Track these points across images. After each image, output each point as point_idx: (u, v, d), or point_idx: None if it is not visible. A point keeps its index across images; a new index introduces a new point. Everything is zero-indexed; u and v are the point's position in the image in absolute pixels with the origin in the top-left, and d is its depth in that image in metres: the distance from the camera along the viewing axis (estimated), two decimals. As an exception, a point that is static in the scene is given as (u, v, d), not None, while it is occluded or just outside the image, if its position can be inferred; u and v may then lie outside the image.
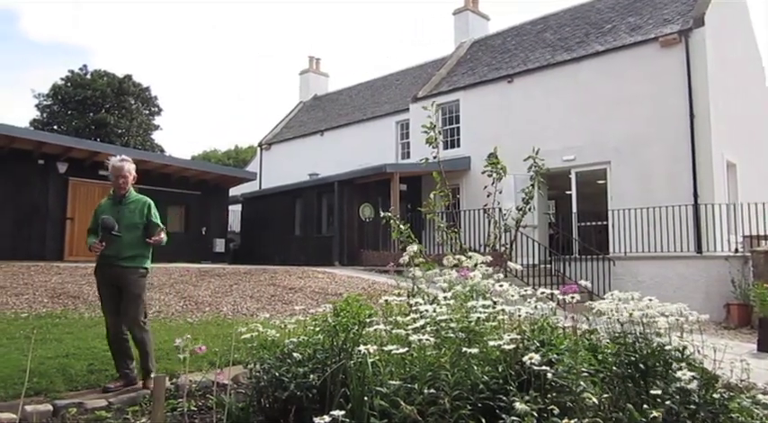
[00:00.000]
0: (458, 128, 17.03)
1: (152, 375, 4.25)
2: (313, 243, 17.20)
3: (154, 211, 4.65)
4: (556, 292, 3.05)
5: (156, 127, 38.09)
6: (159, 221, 4.70)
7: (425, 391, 2.46)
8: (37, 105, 35.00)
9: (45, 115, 34.71)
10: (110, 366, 4.64)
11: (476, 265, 3.48)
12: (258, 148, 26.80)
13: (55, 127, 33.34)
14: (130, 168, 4.60)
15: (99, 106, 34.48)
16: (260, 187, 21.93)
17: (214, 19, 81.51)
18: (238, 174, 19.87)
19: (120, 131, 33.97)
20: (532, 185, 4.96)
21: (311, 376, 3.07)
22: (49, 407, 3.66)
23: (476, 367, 2.56)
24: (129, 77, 35.94)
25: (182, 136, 72.35)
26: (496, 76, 16.32)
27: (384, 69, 37.99)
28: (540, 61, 15.57)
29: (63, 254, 14.09)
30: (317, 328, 3.30)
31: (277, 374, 3.18)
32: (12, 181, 13.55)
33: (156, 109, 38.00)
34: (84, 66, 36.09)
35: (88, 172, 14.79)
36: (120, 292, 4.42)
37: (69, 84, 34.61)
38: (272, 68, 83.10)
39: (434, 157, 4.79)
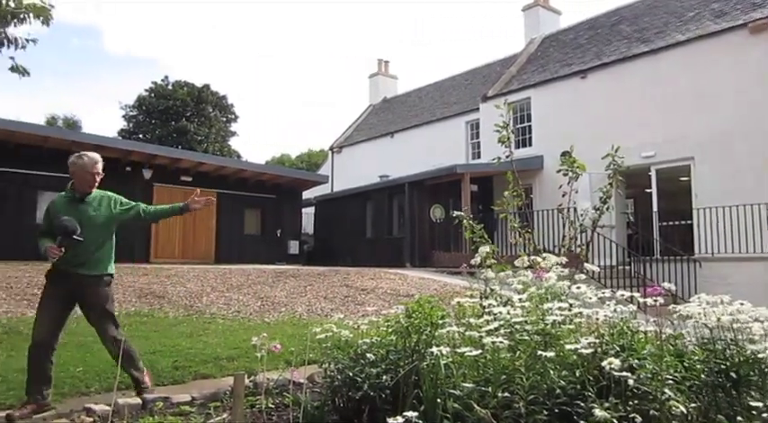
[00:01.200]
0: (529, 126, 16.66)
1: (145, 385, 4.02)
2: (384, 244, 17.31)
3: (121, 198, 4.22)
4: (636, 294, 2.92)
5: (233, 133, 39.67)
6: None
7: (500, 394, 2.42)
8: (124, 116, 37.28)
9: (131, 125, 36.89)
10: (194, 363, 4.86)
11: (551, 266, 3.39)
12: (329, 152, 27.29)
13: (140, 136, 35.34)
14: (99, 166, 4.07)
15: (180, 115, 36.23)
16: (332, 190, 22.34)
17: (286, 26, 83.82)
18: (311, 177, 20.33)
19: (199, 138, 35.56)
20: (610, 184, 4.78)
21: (384, 377, 3.08)
22: (139, 400, 3.88)
23: (552, 371, 2.49)
24: (207, 87, 37.59)
25: (256, 141, 74.93)
26: (569, 73, 15.84)
27: (452, 69, 37.79)
28: (616, 55, 14.97)
29: (149, 256, 14.91)
30: (390, 330, 3.32)
31: (351, 374, 3.21)
32: (103, 188, 14.43)
33: (233, 116, 39.53)
34: (166, 77, 38.15)
35: (170, 177, 15.62)
36: (70, 304, 3.88)
37: (153, 94, 36.60)
38: (344, 72, 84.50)
39: (507, 157, 4.71)
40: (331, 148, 26.86)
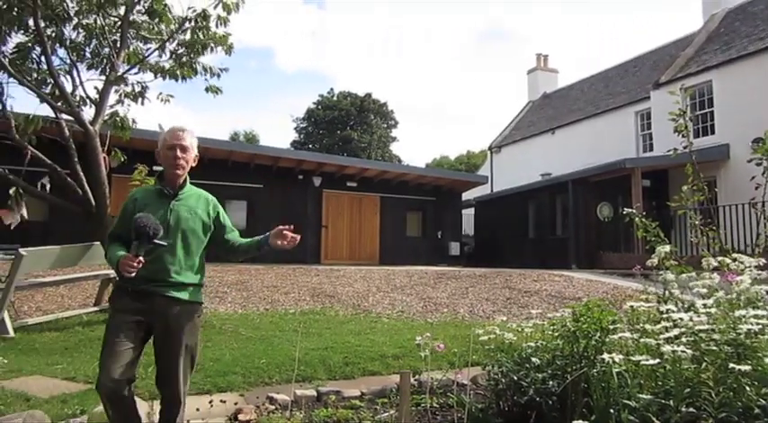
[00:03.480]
0: (710, 113, 14.98)
1: None
2: (547, 245, 16.70)
3: (223, 210, 3.05)
4: None
5: (394, 139, 41.02)
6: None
7: (683, 409, 2.20)
8: (295, 128, 40.36)
9: (302, 136, 39.84)
10: (362, 360, 5.09)
11: (745, 268, 3.01)
12: (488, 152, 27.00)
13: (309, 146, 37.98)
14: (193, 141, 2.93)
15: (344, 124, 38.30)
16: (491, 190, 22.06)
17: (439, 28, 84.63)
18: (470, 178, 20.30)
19: (362, 145, 37.26)
20: (818, 173, 4.11)
21: (550, 382, 2.97)
22: (314, 392, 4.16)
23: (748, 388, 2.21)
24: (369, 95, 39.32)
25: (416, 145, 76.55)
26: (761, 48, 13.95)
27: (618, 57, 35.28)
28: (822, 22, 12.90)
29: (320, 257, 15.94)
30: (556, 334, 3.19)
31: (515, 378, 3.15)
32: (280, 195, 15.78)
33: (393, 122, 40.87)
34: (331, 89, 40.71)
35: (338, 183, 16.61)
36: (145, 337, 2.77)
37: (320, 106, 39.18)
38: (500, 71, 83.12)
39: (684, 147, 4.28)
40: (490, 148, 26.55)
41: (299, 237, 2.88)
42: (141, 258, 2.56)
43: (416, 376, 4.43)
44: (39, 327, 6.49)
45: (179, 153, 2.84)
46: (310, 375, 4.68)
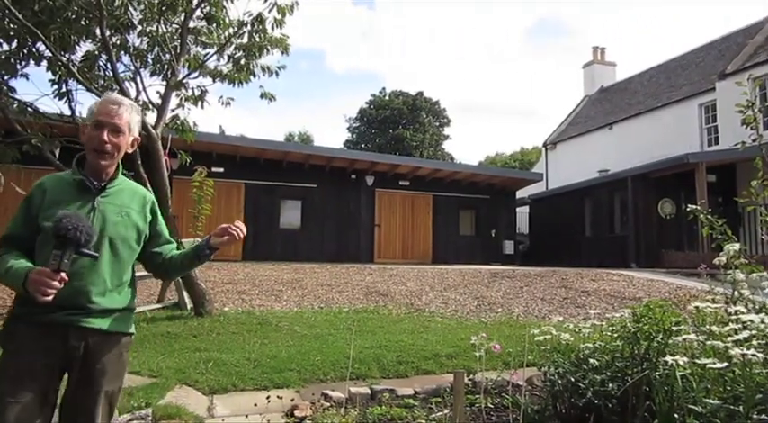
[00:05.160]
0: (783, 103, 14.18)
1: None
2: (605, 244, 16.24)
3: (160, 213, 2.28)
4: None
5: (446, 137, 40.72)
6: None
7: (754, 415, 2.10)
8: (348, 128, 40.71)
9: (354, 136, 40.12)
10: (416, 359, 5.09)
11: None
12: (543, 149, 26.47)
13: (362, 145, 38.21)
14: (132, 120, 2.13)
15: (397, 123, 38.33)
16: (546, 188, 21.62)
17: (492, 25, 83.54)
18: (524, 176, 19.97)
19: (414, 144, 37.18)
20: None
21: (610, 385, 2.89)
22: (368, 390, 4.19)
23: (825, 393, 2.09)
24: (420, 94, 39.22)
25: (468, 143, 75.88)
26: (838, 33, 13.12)
27: (679, 48, 33.88)
28: None
29: (373, 256, 16.04)
30: (615, 335, 3.10)
31: (573, 380, 3.08)
32: (333, 194, 15.97)
33: (446, 120, 40.60)
34: (383, 88, 40.73)
35: (390, 183, 16.68)
36: (56, 380, 1.96)
37: (372, 106, 39.35)
38: (555, 66, 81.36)
39: (753, 140, 4.07)
40: (544, 145, 26.03)
41: (243, 227, 2.12)
42: (64, 274, 1.78)
43: (471, 376, 4.39)
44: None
45: (106, 135, 2.04)
46: (364, 373, 4.71)
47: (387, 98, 39.50)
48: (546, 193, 20.75)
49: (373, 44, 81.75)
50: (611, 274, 11.05)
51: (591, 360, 3.12)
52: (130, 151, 2.18)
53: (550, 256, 17.36)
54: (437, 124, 40.16)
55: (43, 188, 2.05)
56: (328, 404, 3.86)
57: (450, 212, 17.45)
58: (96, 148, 2.05)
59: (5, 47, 6.96)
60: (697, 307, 2.92)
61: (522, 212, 20.73)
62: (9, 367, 1.91)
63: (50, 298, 1.77)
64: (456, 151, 65.54)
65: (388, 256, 16.27)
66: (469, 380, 4.24)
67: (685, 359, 2.41)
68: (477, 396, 3.77)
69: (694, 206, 3.77)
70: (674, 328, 2.77)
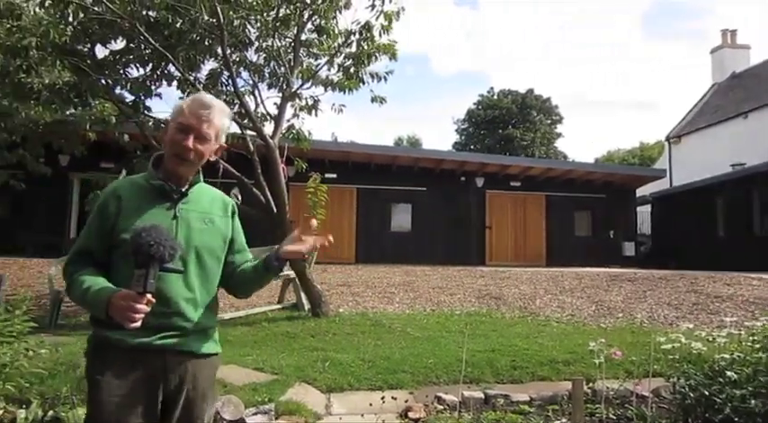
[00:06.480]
0: None
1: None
2: (741, 244, 14.85)
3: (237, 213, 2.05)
4: None
5: (558, 135, 39.30)
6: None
7: None
8: (456, 130, 40.55)
9: (463, 137, 39.86)
10: (530, 364, 4.96)
11: None
12: (665, 143, 24.76)
13: (471, 147, 37.86)
14: (223, 124, 1.90)
15: (506, 123, 37.58)
16: (670, 185, 20.19)
17: (603, 14, 79.43)
18: (645, 173, 18.89)
19: (525, 144, 36.25)
20: None
21: (752, 402, 2.64)
22: (481, 395, 4.14)
23: None
24: (530, 92, 38.18)
25: (582, 140, 72.63)
26: None
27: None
28: None
29: (484, 259, 15.83)
30: (757, 345, 2.83)
31: (707, 393, 2.85)
32: (442, 197, 15.97)
33: (558, 117, 39.19)
34: (491, 88, 40.05)
35: (500, 184, 16.40)
36: (160, 407, 1.78)
37: (480, 107, 38.88)
38: (677, 53, 75.82)
39: None
40: (667, 139, 24.31)
41: (330, 237, 1.88)
42: (150, 296, 1.58)
43: (590, 384, 4.20)
44: (231, 322, 7.25)
45: (191, 142, 1.82)
46: (477, 377, 4.66)
47: (495, 98, 38.85)
48: (670, 190, 19.39)
49: (478, 44, 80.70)
50: (749, 278, 10.07)
51: (728, 373, 2.88)
52: (213, 159, 1.94)
53: (676, 258, 16.14)
54: (548, 122, 38.85)
55: (117, 195, 1.83)
56: (441, 407, 3.86)
57: (564, 213, 16.80)
58: (178, 154, 1.84)
59: (141, 71, 7.67)
60: None
61: (644, 212, 19.50)
62: (106, 403, 1.69)
63: (138, 324, 1.59)
64: (569, 149, 62.77)
65: (500, 258, 15.96)
66: (589, 388, 4.06)
67: (843, 375, 2.15)
68: (597, 406, 3.60)
69: None
70: (829, 340, 2.48)
